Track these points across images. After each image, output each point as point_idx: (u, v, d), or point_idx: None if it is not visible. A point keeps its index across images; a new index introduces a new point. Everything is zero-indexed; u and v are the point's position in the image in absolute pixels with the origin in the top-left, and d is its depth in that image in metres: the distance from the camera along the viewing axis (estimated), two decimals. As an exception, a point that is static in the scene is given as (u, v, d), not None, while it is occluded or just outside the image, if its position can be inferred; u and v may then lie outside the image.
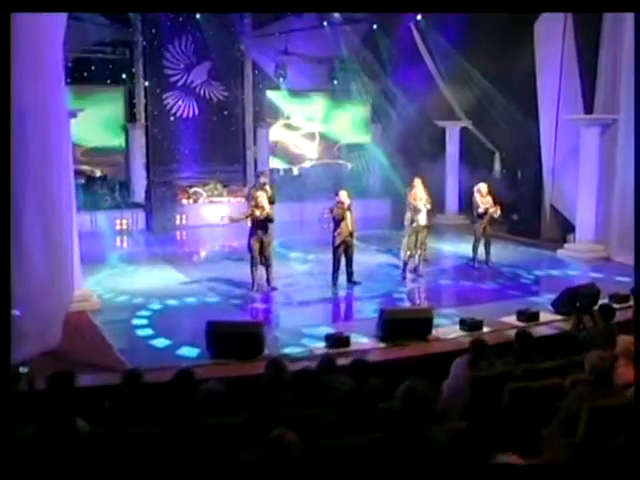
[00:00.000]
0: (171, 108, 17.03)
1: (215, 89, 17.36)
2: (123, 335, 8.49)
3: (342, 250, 10.44)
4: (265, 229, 10.19)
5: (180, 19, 16.48)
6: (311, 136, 19.05)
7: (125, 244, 14.56)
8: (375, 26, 16.85)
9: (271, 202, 10.75)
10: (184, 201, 16.31)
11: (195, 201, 16.53)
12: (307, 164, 19.03)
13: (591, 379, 4.73)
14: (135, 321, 8.93)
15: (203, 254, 13.93)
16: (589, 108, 12.83)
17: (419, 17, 15.59)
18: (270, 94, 18.23)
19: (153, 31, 16.41)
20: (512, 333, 6.99)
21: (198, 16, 16.20)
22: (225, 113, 17.53)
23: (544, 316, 8.65)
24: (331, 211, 10.48)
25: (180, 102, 17.06)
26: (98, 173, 16.41)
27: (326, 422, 4.50)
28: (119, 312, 9.31)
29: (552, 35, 13.41)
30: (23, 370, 6.01)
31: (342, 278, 10.58)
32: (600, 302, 8.14)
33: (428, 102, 15.97)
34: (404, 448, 3.62)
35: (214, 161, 17.32)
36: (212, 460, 4.07)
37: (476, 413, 5.00)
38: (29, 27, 7.09)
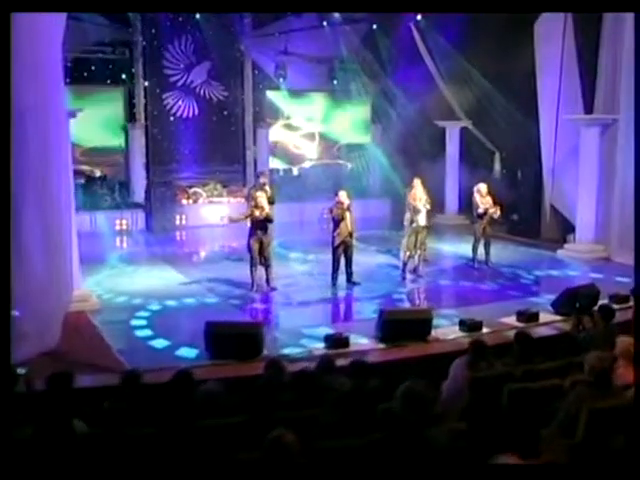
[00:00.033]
0: (171, 108, 17.02)
1: (215, 89, 17.36)
2: (122, 336, 8.48)
3: (341, 250, 10.43)
4: (264, 229, 10.17)
5: (180, 19, 16.47)
6: (311, 136, 19.05)
7: (125, 244, 14.55)
8: (375, 26, 16.84)
9: (271, 202, 10.75)
10: (184, 201, 16.30)
11: (195, 201, 16.52)
12: (307, 164, 19.02)
13: (590, 380, 4.72)
14: (134, 322, 8.91)
15: (203, 254, 13.92)
16: (589, 108, 12.82)
17: (419, 17, 15.59)
18: (270, 94, 18.22)
19: (153, 31, 16.40)
20: (512, 334, 6.99)
21: (198, 16, 16.19)
22: (225, 113, 17.52)
23: (544, 317, 8.64)
24: (330, 211, 10.47)
25: (180, 102, 17.06)
26: (98, 173, 16.40)
27: (325, 423, 4.49)
28: (118, 312, 9.30)
29: (552, 35, 13.40)
30: (21, 371, 5.99)
31: (342, 278, 10.57)
32: (600, 303, 8.13)
33: (428, 102, 15.96)
34: (403, 449, 3.61)
35: (214, 161, 17.31)
36: (211, 461, 4.06)
37: (475, 414, 4.99)
38: (28, 27, 7.08)
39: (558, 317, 8.61)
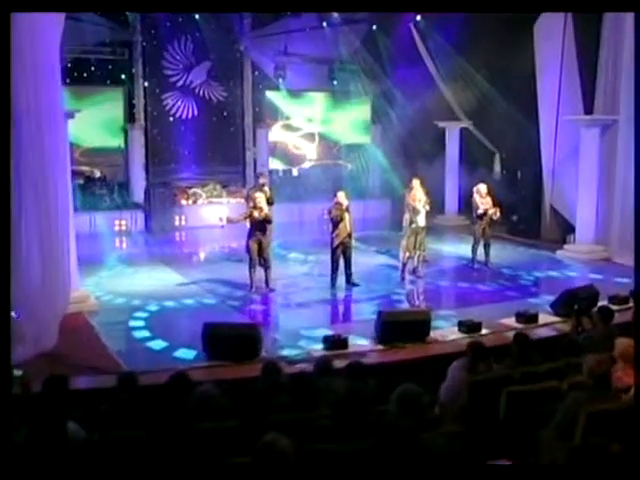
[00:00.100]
0: (170, 109, 17.01)
1: (214, 90, 17.34)
2: (120, 337, 8.47)
3: (340, 251, 10.40)
4: (263, 230, 10.15)
5: (179, 19, 16.45)
6: (311, 137, 19.02)
7: (124, 245, 14.53)
8: (375, 27, 16.84)
9: (270, 203, 10.74)
10: (183, 202, 16.28)
11: (194, 202, 16.50)
12: (306, 165, 18.99)
13: (589, 383, 4.69)
14: (132, 323, 8.89)
15: (202, 255, 13.90)
16: (589, 109, 12.80)
17: (419, 17, 15.58)
18: (270, 95, 18.20)
19: (152, 31, 16.40)
20: (511, 335, 6.96)
21: (197, 16, 16.17)
22: (224, 114, 17.51)
23: (543, 318, 8.61)
24: (329, 212, 10.43)
25: (179, 103, 17.05)
26: (97, 174, 16.37)
27: (321, 425, 4.46)
28: (116, 314, 9.28)
29: (552, 35, 13.39)
30: (17, 373, 5.96)
31: (341, 279, 10.54)
32: (599, 304, 8.10)
33: (428, 102, 15.93)
34: (398, 453, 3.58)
35: (213, 162, 17.30)
36: (205, 464, 4.03)
37: (473, 416, 4.96)
38: (26, 27, 7.06)
39: (557, 318, 8.59)
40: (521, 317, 8.47)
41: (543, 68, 13.69)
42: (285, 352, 7.70)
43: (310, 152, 19.09)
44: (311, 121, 18.86)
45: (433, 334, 8.06)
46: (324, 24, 16.53)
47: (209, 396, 4.95)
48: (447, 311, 9.33)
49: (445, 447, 3.92)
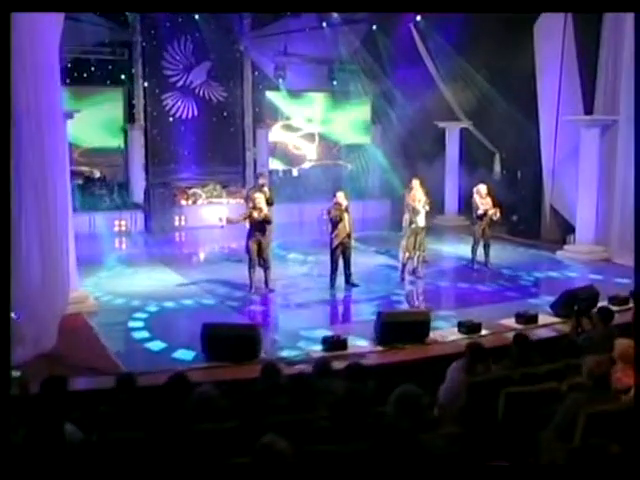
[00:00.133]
0: (170, 109, 17.00)
1: (214, 90, 17.33)
2: (119, 338, 8.45)
3: (340, 252, 10.38)
4: (263, 231, 10.14)
5: (179, 20, 16.44)
6: (311, 137, 19.01)
7: (123, 245, 14.52)
8: (374, 27, 16.83)
9: (269, 203, 10.72)
10: (183, 202, 16.27)
11: (194, 202, 16.49)
12: (306, 165, 18.98)
13: (588, 384, 4.68)
14: (131, 323, 8.87)
15: (201, 256, 13.89)
16: (589, 109, 12.78)
17: (419, 18, 15.57)
18: (269, 95, 18.19)
19: (152, 32, 16.39)
20: (511, 336, 6.95)
21: (197, 17, 16.15)
22: (224, 114, 17.50)
23: (543, 318, 8.60)
24: (328, 213, 10.42)
25: (179, 103, 17.04)
26: (97, 174, 16.36)
27: (320, 427, 4.44)
28: (115, 314, 9.26)
29: (552, 35, 13.38)
30: (15, 374, 5.95)
31: (340, 280, 10.53)
32: (599, 304, 8.09)
33: (428, 103, 15.92)
34: (396, 454, 3.57)
35: (213, 162, 17.29)
36: (203, 466, 4.02)
37: (472, 418, 4.95)
38: (25, 28, 7.05)
39: (557, 319, 8.57)
40: (521, 318, 8.46)
41: (543, 68, 13.68)
42: (284, 353, 7.68)
43: (310, 152, 19.07)
44: (311, 121, 18.85)
45: (433, 335, 8.04)
46: (324, 24, 16.52)
47: (208, 397, 4.93)
48: (447, 312, 9.31)
49: (444, 448, 3.90)
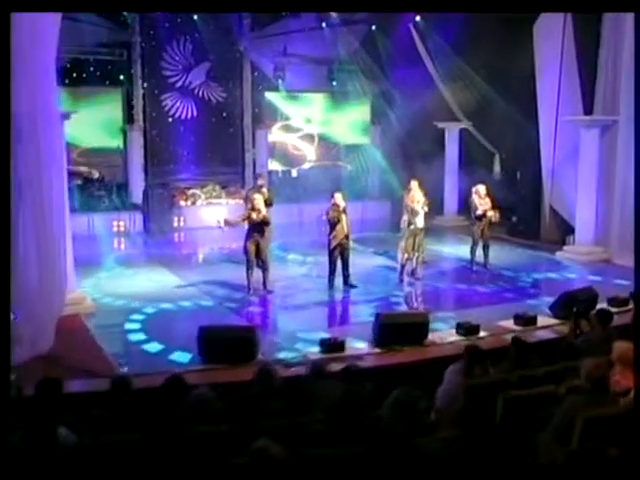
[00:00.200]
0: (169, 109, 16.97)
1: (214, 90, 17.30)
2: (116, 339, 8.41)
3: (338, 253, 10.35)
4: (261, 232, 10.10)
5: (178, 20, 16.40)
6: (310, 138, 18.97)
7: (122, 246, 14.48)
8: (374, 27, 16.80)
9: (268, 205, 10.68)
10: (182, 203, 16.24)
11: (193, 203, 16.46)
12: (306, 166, 18.94)
13: (586, 386, 4.64)
14: (128, 325, 8.84)
15: (200, 257, 13.86)
16: (589, 109, 12.75)
17: (418, 18, 15.53)
18: (269, 95, 18.15)
19: (151, 32, 16.35)
20: (509, 337, 6.92)
21: (196, 17, 16.12)
22: (224, 114, 17.46)
23: (542, 320, 8.57)
24: (326, 214, 10.39)
25: (178, 103, 17.00)
26: (96, 175, 16.29)
27: (315, 430, 4.41)
28: (113, 316, 9.24)
29: (552, 35, 13.34)
30: (11, 376, 5.91)
31: (339, 281, 10.50)
32: (598, 306, 8.06)
33: (427, 103, 15.88)
34: (392, 459, 3.53)
35: (212, 163, 17.26)
36: (197, 469, 3.99)
37: (470, 421, 4.91)
38: (22, 28, 7.02)
39: (556, 320, 8.54)
40: (520, 319, 8.43)
41: (543, 68, 13.64)
42: (282, 355, 7.65)
43: (309, 153, 19.03)
44: (310, 122, 18.81)
45: (431, 336, 8.01)
46: (323, 25, 16.48)
47: (204, 399, 4.91)
48: (445, 313, 9.27)
49: (441, 452, 3.87)
